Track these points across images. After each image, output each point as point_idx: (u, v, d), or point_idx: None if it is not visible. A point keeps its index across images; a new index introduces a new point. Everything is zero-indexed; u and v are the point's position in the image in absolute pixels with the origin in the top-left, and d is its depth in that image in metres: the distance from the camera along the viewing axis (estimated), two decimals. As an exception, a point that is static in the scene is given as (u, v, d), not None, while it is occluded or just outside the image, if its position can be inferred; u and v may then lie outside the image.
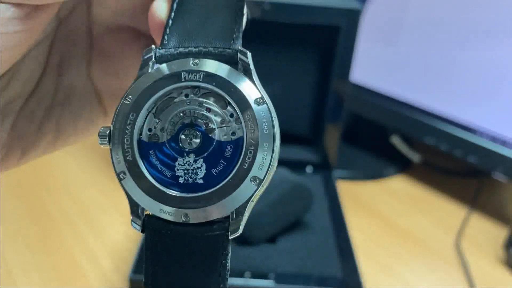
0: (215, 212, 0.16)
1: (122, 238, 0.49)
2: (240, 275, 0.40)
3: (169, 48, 0.17)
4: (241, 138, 0.16)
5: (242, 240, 0.45)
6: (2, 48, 0.16)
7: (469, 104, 0.55)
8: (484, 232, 0.54)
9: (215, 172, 0.16)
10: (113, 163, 0.16)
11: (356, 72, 0.63)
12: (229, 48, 0.16)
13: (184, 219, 0.16)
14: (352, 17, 0.52)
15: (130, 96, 0.16)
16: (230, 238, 0.16)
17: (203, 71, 0.16)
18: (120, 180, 0.16)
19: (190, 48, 0.16)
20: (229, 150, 0.16)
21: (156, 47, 0.17)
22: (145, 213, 0.16)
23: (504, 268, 0.49)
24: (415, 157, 0.66)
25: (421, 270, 0.48)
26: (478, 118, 0.54)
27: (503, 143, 0.52)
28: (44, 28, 0.18)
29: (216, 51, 0.16)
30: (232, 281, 0.39)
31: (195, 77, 0.16)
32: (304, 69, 0.57)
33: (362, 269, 0.44)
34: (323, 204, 0.52)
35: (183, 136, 0.16)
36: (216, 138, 0.16)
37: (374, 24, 0.62)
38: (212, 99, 0.16)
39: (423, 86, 0.59)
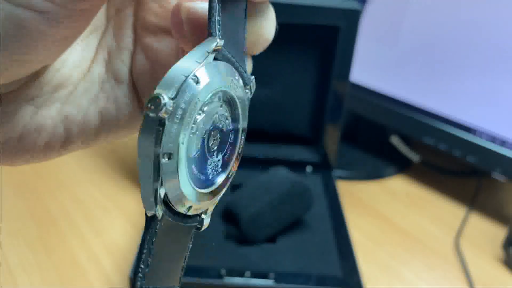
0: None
1: (122, 238, 0.49)
2: (240, 274, 0.40)
3: None
4: None
5: (242, 240, 0.45)
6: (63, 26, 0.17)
7: (468, 104, 0.55)
8: (483, 231, 0.55)
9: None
10: None
11: (356, 72, 0.63)
12: None
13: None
14: (352, 17, 0.52)
15: None
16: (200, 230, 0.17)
17: None
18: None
19: None
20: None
21: None
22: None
23: (502, 267, 0.49)
24: (414, 157, 0.66)
25: (420, 269, 0.48)
26: (477, 118, 0.55)
27: (502, 143, 0.52)
28: (95, 15, 0.19)
29: None
30: (232, 280, 0.40)
31: None
32: (304, 69, 0.57)
33: (362, 268, 0.44)
34: (323, 204, 0.52)
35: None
36: None
37: (374, 24, 0.62)
38: None
39: (423, 86, 0.59)
